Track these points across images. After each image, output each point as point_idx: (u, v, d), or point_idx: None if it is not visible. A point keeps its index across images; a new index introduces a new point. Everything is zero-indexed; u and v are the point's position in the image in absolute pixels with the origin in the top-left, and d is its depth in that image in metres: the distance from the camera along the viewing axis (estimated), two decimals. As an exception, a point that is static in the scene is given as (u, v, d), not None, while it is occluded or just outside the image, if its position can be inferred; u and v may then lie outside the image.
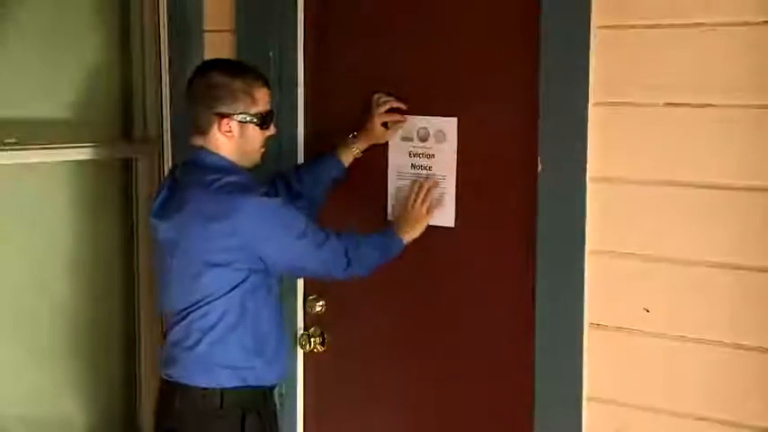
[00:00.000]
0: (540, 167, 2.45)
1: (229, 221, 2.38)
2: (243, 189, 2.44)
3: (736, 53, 2.21)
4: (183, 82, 3.04)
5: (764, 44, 2.18)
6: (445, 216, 2.71)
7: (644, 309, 2.38)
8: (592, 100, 2.38)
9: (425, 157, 2.74)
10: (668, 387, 2.36)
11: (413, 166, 2.77)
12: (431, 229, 2.70)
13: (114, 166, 3.13)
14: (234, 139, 2.50)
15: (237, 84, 2.49)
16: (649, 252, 2.36)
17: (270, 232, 2.44)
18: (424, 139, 2.74)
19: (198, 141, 2.52)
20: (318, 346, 2.99)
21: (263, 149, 2.58)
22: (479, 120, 2.65)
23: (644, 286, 2.37)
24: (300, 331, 3.01)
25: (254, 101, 2.50)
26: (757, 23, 2.18)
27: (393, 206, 2.81)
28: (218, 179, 2.44)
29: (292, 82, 2.94)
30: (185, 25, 3.04)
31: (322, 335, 2.99)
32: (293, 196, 2.76)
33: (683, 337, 2.33)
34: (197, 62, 3.04)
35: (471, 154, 2.67)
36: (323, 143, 2.96)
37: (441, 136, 2.70)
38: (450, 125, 2.68)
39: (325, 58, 2.94)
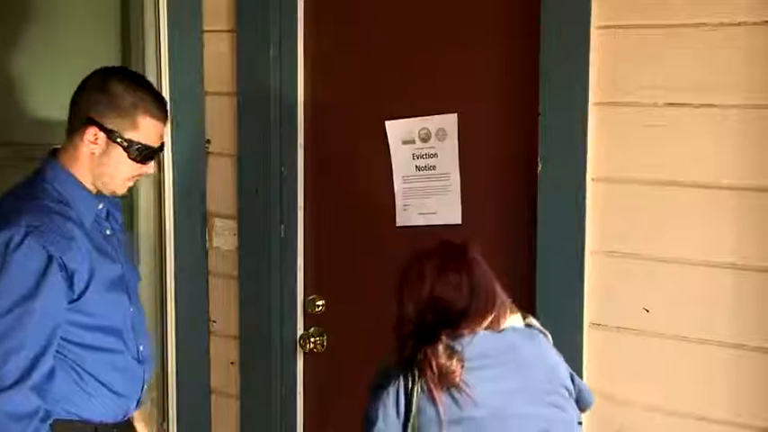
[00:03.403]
0: (540, 167, 2.45)
1: None
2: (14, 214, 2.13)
3: (737, 53, 2.21)
4: (183, 82, 3.06)
5: (764, 44, 2.18)
6: (452, 213, 2.71)
7: (644, 309, 2.38)
8: (592, 100, 2.39)
9: (429, 158, 2.74)
10: (668, 387, 2.36)
11: (417, 168, 2.77)
12: (439, 228, 2.71)
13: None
14: (95, 153, 2.25)
15: (127, 99, 2.24)
16: (649, 252, 2.36)
17: None
18: (425, 140, 2.74)
19: (62, 144, 2.30)
20: (318, 347, 2.99)
21: (129, 183, 2.33)
22: (480, 118, 2.65)
23: (644, 286, 2.37)
24: (300, 331, 3.02)
25: (134, 125, 2.25)
26: (757, 23, 2.19)
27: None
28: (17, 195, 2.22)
29: (292, 82, 2.94)
30: (185, 25, 3.04)
31: (322, 335, 2.99)
32: None
33: (683, 337, 2.34)
34: (197, 62, 3.06)
35: (473, 151, 2.67)
36: (323, 143, 2.96)
37: (442, 134, 2.71)
38: (450, 121, 2.68)
39: (325, 57, 2.94)
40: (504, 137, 2.62)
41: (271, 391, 3.02)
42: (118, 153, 2.25)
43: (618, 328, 2.42)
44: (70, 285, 2.17)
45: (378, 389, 2.10)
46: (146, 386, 2.43)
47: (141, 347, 2.39)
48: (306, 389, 3.06)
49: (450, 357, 1.99)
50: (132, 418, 2.45)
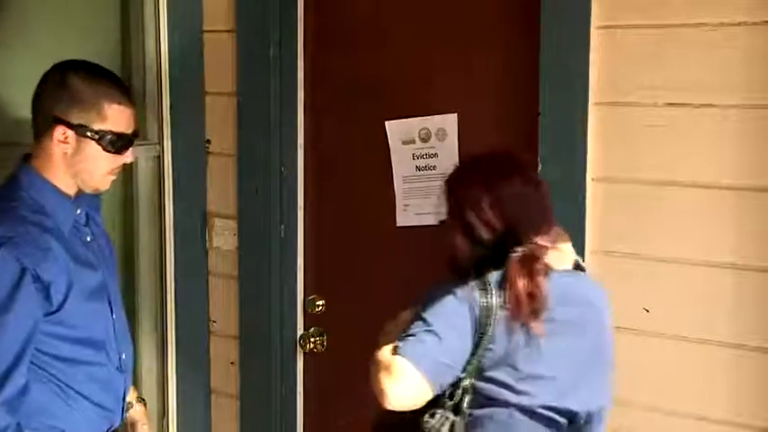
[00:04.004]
0: (540, 167, 2.45)
1: None
2: None
3: (737, 53, 2.21)
4: (183, 82, 3.06)
5: (764, 44, 2.18)
6: None
7: (644, 309, 2.38)
8: (592, 100, 2.39)
9: (429, 158, 2.74)
10: (668, 387, 2.36)
11: (417, 168, 2.77)
12: (440, 228, 2.71)
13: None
14: (68, 153, 2.17)
15: (88, 91, 2.16)
16: (649, 252, 2.36)
17: None
18: (425, 140, 2.74)
19: (32, 149, 2.21)
20: (318, 347, 2.99)
21: (110, 176, 2.26)
22: (480, 118, 2.66)
23: (644, 286, 2.37)
24: (300, 331, 3.02)
25: (101, 116, 2.16)
26: (757, 23, 2.19)
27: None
28: None
29: (292, 82, 2.94)
30: (185, 25, 3.04)
31: (322, 335, 3.00)
32: None
33: (683, 337, 2.34)
34: (197, 62, 3.06)
35: (473, 151, 2.66)
36: (323, 143, 2.96)
37: (442, 134, 2.71)
38: (450, 121, 2.69)
39: (325, 57, 2.94)
40: (504, 137, 2.61)
41: (271, 391, 3.02)
42: (91, 148, 2.17)
43: (618, 328, 2.41)
44: (47, 297, 2.10)
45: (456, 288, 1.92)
46: (128, 395, 2.39)
47: (123, 356, 2.33)
48: (306, 389, 3.06)
49: (539, 286, 1.91)
50: (129, 419, 2.42)
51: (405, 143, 2.78)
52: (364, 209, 2.89)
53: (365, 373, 2.92)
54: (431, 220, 2.74)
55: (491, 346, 1.91)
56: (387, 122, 2.79)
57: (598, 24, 2.37)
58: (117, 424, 2.35)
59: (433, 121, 2.72)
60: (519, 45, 2.55)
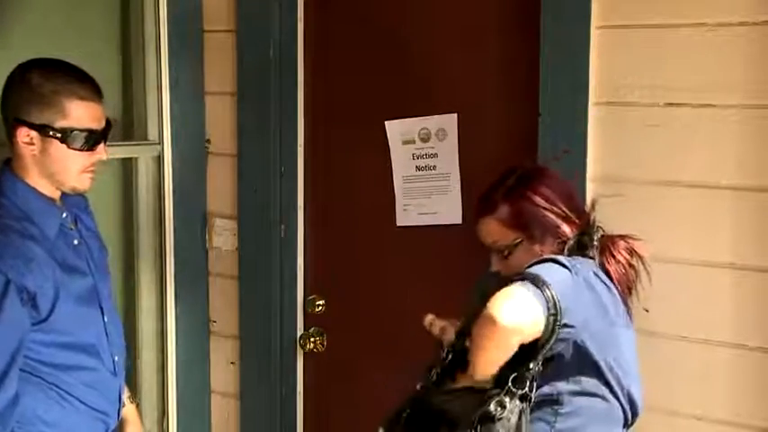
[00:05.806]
0: (540, 167, 2.45)
1: None
2: None
3: (737, 53, 2.21)
4: (183, 82, 3.06)
5: (764, 44, 2.18)
6: (452, 213, 2.71)
7: (644, 309, 2.38)
8: (592, 100, 2.39)
9: (429, 158, 2.74)
10: (668, 387, 2.36)
11: (417, 168, 2.77)
12: (439, 228, 2.71)
13: (114, 166, 3.12)
14: (36, 154, 2.11)
15: (48, 88, 2.08)
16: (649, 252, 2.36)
17: None
18: (425, 140, 2.74)
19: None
20: (318, 347, 2.99)
21: (86, 174, 2.18)
22: (480, 118, 2.65)
23: (644, 286, 2.37)
24: (300, 331, 3.02)
25: (63, 113, 2.08)
26: (757, 23, 2.19)
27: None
28: None
29: (292, 82, 2.94)
30: (185, 25, 3.04)
31: (322, 335, 3.00)
32: None
33: (683, 337, 2.34)
34: (197, 62, 3.06)
35: (473, 151, 2.67)
36: (323, 143, 2.96)
37: (442, 134, 2.71)
38: (450, 121, 2.69)
39: (324, 57, 2.94)
40: (504, 137, 2.62)
41: (271, 391, 3.02)
42: (57, 147, 2.10)
43: (618, 327, 2.41)
44: (34, 306, 2.07)
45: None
46: (123, 398, 2.37)
47: (116, 358, 2.31)
48: (306, 389, 3.06)
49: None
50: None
51: (405, 143, 2.78)
52: (364, 209, 2.89)
53: (365, 373, 2.94)
54: (431, 221, 2.76)
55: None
56: (387, 122, 2.79)
57: (598, 24, 2.37)
58: (113, 427, 2.34)
59: (433, 121, 2.72)
60: (519, 45, 2.55)
